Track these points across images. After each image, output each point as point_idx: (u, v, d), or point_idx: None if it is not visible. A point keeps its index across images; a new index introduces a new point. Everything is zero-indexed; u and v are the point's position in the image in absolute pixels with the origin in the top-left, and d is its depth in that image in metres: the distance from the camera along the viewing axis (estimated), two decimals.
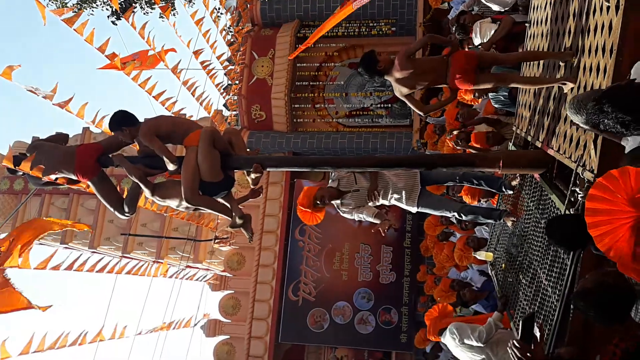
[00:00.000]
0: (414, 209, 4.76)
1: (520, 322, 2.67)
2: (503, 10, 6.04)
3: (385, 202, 4.77)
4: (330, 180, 4.66)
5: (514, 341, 2.50)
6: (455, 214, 4.81)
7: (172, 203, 4.01)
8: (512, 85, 4.09)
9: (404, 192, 4.65)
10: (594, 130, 2.20)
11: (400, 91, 3.85)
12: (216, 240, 4.02)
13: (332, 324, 9.83)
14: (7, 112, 39.40)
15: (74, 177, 3.95)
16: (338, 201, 4.62)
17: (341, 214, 4.79)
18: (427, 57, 4.12)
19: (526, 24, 4.67)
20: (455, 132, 6.70)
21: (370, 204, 4.63)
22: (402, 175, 4.70)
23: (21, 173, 4.24)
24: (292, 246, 10.23)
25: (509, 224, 4.67)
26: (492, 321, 4.39)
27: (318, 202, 4.52)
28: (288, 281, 10.08)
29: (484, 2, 5.93)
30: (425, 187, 4.79)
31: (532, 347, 2.57)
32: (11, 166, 3.96)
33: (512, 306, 4.28)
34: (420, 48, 4.04)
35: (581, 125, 2.19)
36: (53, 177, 4.14)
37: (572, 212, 3.12)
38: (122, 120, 3.87)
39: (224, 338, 10.22)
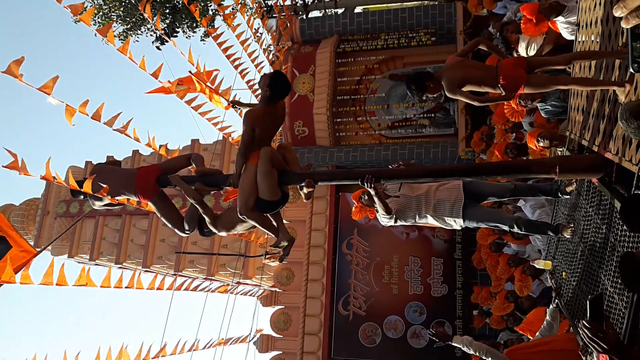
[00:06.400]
0: (459, 221, 4.58)
1: (588, 302, 2.53)
2: None
3: (412, 221, 4.73)
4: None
5: (584, 321, 2.35)
6: (510, 228, 4.67)
7: (240, 228, 4.17)
8: (565, 87, 3.97)
9: (446, 203, 4.55)
10: None
11: (450, 89, 3.81)
12: (267, 256, 4.13)
13: (385, 338, 9.72)
14: (61, 137, 41.42)
15: (135, 198, 4.13)
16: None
17: (379, 218, 4.78)
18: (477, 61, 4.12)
19: (574, 27, 4.55)
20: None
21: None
22: (443, 189, 4.62)
23: (82, 196, 4.46)
24: (340, 260, 10.22)
25: (567, 235, 4.50)
26: (548, 319, 4.34)
27: (361, 197, 4.92)
28: (338, 295, 10.05)
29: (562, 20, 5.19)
30: (475, 202, 4.68)
31: (604, 327, 2.40)
32: (77, 188, 4.17)
33: (576, 316, 4.13)
34: (473, 49, 4.03)
35: (631, 135, 2.13)
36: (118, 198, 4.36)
37: None
38: None
39: (276, 353, 10.27)
